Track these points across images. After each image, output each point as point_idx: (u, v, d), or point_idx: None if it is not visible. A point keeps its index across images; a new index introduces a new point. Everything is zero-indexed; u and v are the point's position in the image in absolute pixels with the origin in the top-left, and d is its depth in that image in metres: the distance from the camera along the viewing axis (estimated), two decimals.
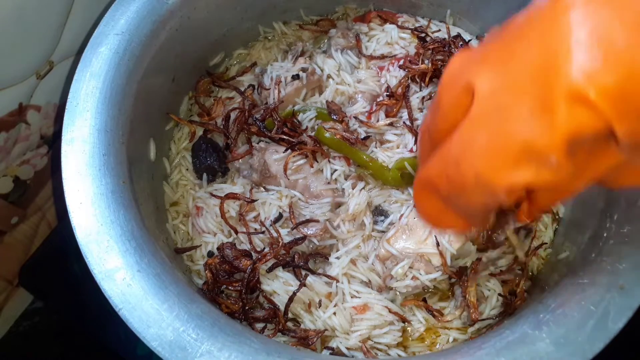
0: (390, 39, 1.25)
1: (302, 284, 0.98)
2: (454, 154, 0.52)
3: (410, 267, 1.00)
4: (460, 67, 0.54)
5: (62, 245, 1.30)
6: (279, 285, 1.00)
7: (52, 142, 1.25)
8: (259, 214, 1.07)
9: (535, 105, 0.45)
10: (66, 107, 0.93)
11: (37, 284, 1.31)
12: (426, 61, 1.13)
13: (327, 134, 1.08)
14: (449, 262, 0.99)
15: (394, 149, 1.10)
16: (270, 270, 1.00)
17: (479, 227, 0.62)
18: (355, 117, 1.12)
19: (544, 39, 0.45)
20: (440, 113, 0.55)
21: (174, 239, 1.10)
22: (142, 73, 1.01)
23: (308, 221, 1.03)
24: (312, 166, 1.08)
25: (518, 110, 0.46)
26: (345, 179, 1.09)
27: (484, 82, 0.49)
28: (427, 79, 1.12)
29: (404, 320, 1.00)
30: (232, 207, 1.07)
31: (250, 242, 1.03)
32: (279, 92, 1.15)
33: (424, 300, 1.03)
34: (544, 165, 0.46)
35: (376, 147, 1.11)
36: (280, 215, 1.05)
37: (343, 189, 1.08)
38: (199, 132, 1.18)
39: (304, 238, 1.02)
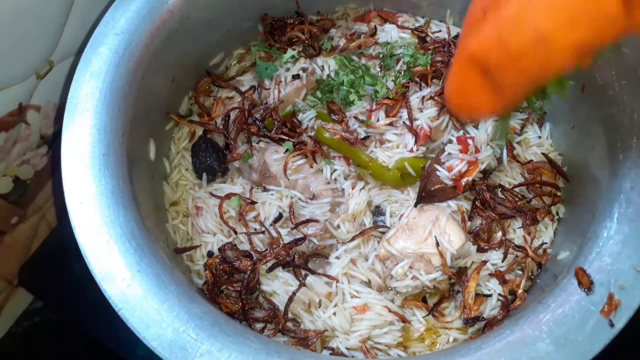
0: (390, 38, 1.25)
1: (302, 284, 0.98)
2: (511, 14, 0.51)
3: (410, 267, 1.00)
4: None
5: (62, 245, 1.30)
6: (279, 285, 1.00)
7: (52, 142, 1.25)
8: (258, 214, 1.07)
9: None
10: (66, 107, 0.93)
11: (37, 284, 1.31)
12: None
13: (327, 134, 1.08)
14: (449, 262, 0.99)
15: (394, 149, 1.10)
16: (270, 270, 1.00)
17: (510, 107, 0.61)
18: (355, 117, 1.12)
19: None
20: None
21: (173, 239, 1.10)
22: (142, 73, 1.01)
23: (308, 221, 1.03)
24: (312, 166, 1.08)
25: None
26: (345, 179, 1.09)
27: None
28: (428, 79, 1.12)
29: (404, 320, 1.00)
30: (231, 207, 1.07)
31: (250, 242, 1.03)
32: (279, 92, 1.15)
33: (424, 300, 1.03)
34: (603, 16, 0.46)
35: (376, 147, 1.11)
36: (280, 215, 1.05)
37: (343, 189, 1.08)
38: (199, 132, 1.18)
39: (304, 238, 1.02)
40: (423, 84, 1.13)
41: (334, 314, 0.98)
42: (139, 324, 0.78)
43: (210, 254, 1.05)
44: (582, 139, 1.06)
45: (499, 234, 1.05)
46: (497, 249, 1.05)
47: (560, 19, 0.47)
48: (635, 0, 0.47)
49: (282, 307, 0.97)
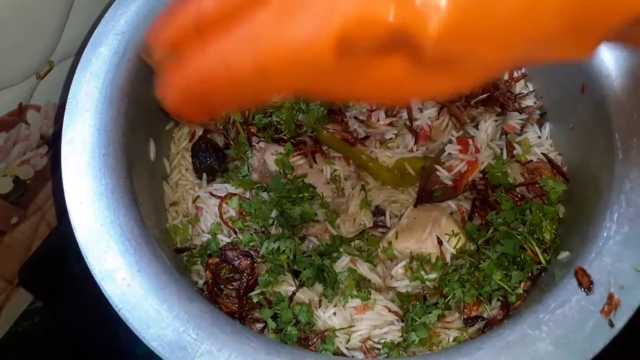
0: None
1: (301, 284, 0.98)
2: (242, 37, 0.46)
3: (410, 267, 1.00)
4: None
5: (62, 245, 1.30)
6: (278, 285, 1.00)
7: (52, 142, 1.25)
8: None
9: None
10: (66, 107, 0.93)
11: (37, 284, 1.31)
12: None
13: (327, 134, 1.08)
14: (449, 262, 0.99)
15: (394, 149, 1.10)
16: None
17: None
18: (355, 117, 1.12)
19: None
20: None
21: (173, 239, 1.10)
22: (142, 73, 1.01)
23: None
24: (311, 166, 1.08)
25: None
26: (345, 179, 1.09)
27: None
28: None
29: (404, 320, 1.00)
30: (231, 207, 1.07)
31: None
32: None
33: (424, 300, 1.03)
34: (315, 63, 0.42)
35: (376, 147, 1.11)
36: None
37: (343, 189, 1.08)
38: (199, 132, 1.18)
39: (304, 238, 1.02)
40: None
41: (334, 313, 0.98)
42: (139, 324, 0.78)
43: (210, 254, 1.05)
44: (582, 139, 1.06)
45: None
46: None
47: (279, 56, 0.44)
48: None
49: None
